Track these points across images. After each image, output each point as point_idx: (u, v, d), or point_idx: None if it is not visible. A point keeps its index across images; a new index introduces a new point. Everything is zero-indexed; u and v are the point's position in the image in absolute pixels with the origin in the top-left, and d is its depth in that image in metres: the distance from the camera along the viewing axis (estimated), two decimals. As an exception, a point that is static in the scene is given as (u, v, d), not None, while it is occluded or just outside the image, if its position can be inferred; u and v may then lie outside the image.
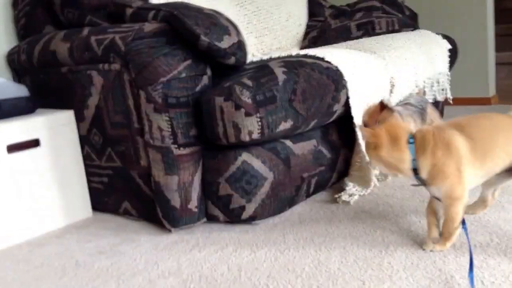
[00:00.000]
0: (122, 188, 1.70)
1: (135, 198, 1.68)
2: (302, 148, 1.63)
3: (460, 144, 1.20)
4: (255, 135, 1.44)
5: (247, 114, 1.41)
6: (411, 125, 1.59)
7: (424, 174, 1.22)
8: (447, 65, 2.43)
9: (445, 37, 2.52)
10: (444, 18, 3.23)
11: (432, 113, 1.79)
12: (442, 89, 2.39)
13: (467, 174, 1.19)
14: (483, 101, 3.19)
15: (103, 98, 1.64)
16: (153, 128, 1.48)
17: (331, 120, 1.70)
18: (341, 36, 2.56)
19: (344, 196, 1.67)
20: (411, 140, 1.23)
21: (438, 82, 2.36)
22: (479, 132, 1.21)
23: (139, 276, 1.31)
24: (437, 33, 2.52)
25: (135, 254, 1.45)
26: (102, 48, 1.58)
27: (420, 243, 1.30)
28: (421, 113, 1.76)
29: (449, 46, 2.47)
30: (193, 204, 1.54)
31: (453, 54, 2.52)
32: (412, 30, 2.57)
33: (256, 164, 1.50)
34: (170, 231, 1.58)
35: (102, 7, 1.82)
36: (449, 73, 2.45)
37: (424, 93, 2.17)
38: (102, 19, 1.86)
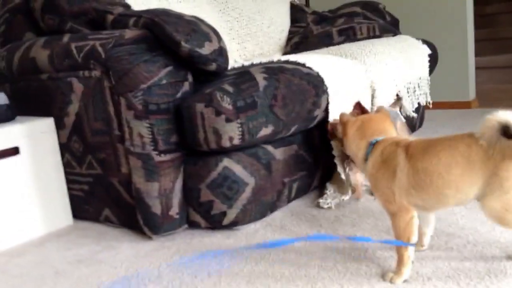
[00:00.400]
0: (103, 196, 1.69)
1: (115, 206, 1.67)
2: (283, 153, 1.64)
3: (400, 166, 1.11)
4: (236, 141, 1.44)
5: (228, 120, 1.42)
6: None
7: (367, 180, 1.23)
8: (427, 70, 2.47)
9: (425, 42, 2.56)
10: (425, 23, 3.28)
11: (401, 128, 1.80)
12: (423, 94, 2.43)
13: (400, 197, 1.13)
14: (463, 105, 3.24)
15: (83, 105, 1.63)
16: (133, 135, 1.48)
17: (312, 125, 1.72)
18: (323, 41, 2.59)
19: (323, 201, 1.68)
20: (373, 141, 1.21)
21: (418, 87, 2.39)
22: (428, 162, 1.08)
23: (119, 284, 1.30)
24: (418, 39, 2.55)
25: (115, 262, 1.45)
26: (82, 55, 1.58)
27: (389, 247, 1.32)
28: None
29: (429, 51, 2.51)
30: (174, 211, 1.54)
31: (433, 59, 2.56)
32: (393, 36, 2.61)
33: (237, 169, 1.51)
34: (151, 238, 1.58)
35: (83, 13, 1.82)
36: (429, 78, 2.49)
37: (401, 105, 2.19)
38: (83, 25, 1.85)
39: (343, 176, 1.70)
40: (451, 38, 3.20)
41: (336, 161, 1.70)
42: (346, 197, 1.72)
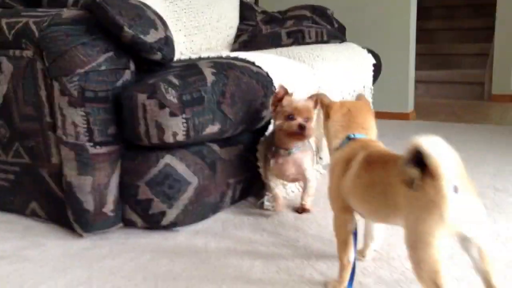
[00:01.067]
0: (30, 187, 1.55)
1: (44, 199, 1.53)
2: (229, 153, 1.58)
3: (352, 169, 1.08)
4: (180, 137, 1.36)
5: (172, 114, 1.33)
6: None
7: None
8: (371, 79, 2.50)
9: (370, 51, 2.60)
10: (370, 34, 3.34)
11: None
12: (366, 102, 2.45)
13: (343, 197, 1.11)
14: (402, 116, 3.33)
15: (12, 88, 1.49)
16: (66, 123, 1.36)
17: (259, 125, 1.66)
18: (272, 42, 2.55)
19: (268, 204, 1.64)
20: (351, 136, 1.15)
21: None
22: (365, 174, 1.05)
23: (44, 285, 1.18)
24: (363, 47, 2.58)
25: (41, 260, 1.32)
26: (13, 33, 1.44)
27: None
28: None
29: (374, 61, 2.55)
30: (109, 208, 1.43)
31: (377, 69, 2.60)
32: (340, 42, 2.62)
33: (180, 167, 1.43)
34: (81, 236, 1.45)
35: (18, -12, 1.66)
36: (372, 87, 2.52)
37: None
38: (17, 2, 1.70)
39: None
40: (393, 50, 3.28)
41: (261, 171, 1.65)
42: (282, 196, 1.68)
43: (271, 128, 1.67)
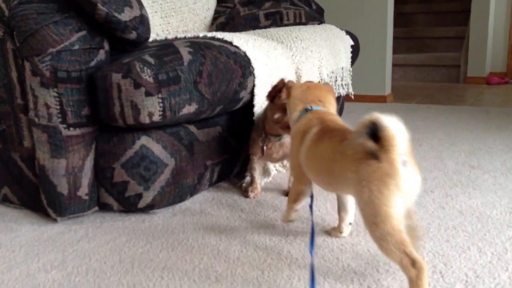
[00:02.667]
0: (2, 172, 1.51)
1: (16, 184, 1.49)
2: (206, 135, 1.56)
3: (306, 141, 1.13)
4: (156, 118, 1.34)
5: (148, 94, 1.31)
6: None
7: None
8: (349, 60, 2.50)
9: (348, 33, 2.59)
10: (347, 16, 3.34)
11: None
12: (344, 84, 2.45)
13: (299, 166, 1.18)
14: (380, 99, 3.35)
15: (-20, 69, 1.43)
16: (38, 105, 1.32)
17: (237, 106, 1.65)
18: (250, 24, 2.53)
19: (242, 185, 1.64)
20: (309, 108, 1.22)
21: (341, 77, 2.41)
22: (316, 146, 1.10)
23: (16, 269, 1.16)
24: (341, 29, 2.58)
25: (13, 245, 1.29)
26: (-20, 11, 1.38)
27: (318, 232, 1.30)
28: None
29: (352, 43, 2.55)
30: (83, 191, 1.40)
31: (355, 51, 2.60)
32: (318, 24, 2.61)
33: (156, 149, 1.41)
34: (55, 220, 1.43)
35: (-16, -34, 1.59)
36: (351, 69, 2.52)
37: None
38: (-16, -20, 1.63)
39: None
40: (371, 33, 3.29)
41: (252, 157, 1.64)
42: (267, 180, 1.68)
43: (258, 112, 1.65)
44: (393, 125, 0.88)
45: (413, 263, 0.88)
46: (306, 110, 1.21)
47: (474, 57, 4.17)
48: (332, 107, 1.24)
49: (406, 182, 0.90)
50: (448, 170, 1.78)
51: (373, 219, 0.91)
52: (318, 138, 1.10)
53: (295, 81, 1.39)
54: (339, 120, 1.17)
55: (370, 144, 0.91)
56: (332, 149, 1.04)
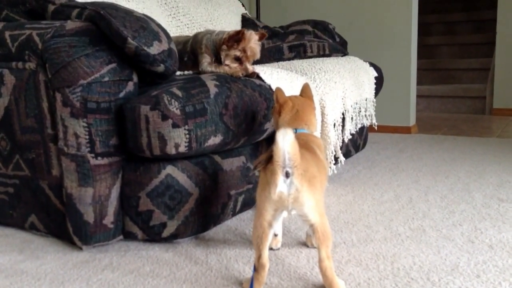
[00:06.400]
0: (30, 200, 1.54)
1: (43, 212, 1.52)
2: (230, 164, 1.57)
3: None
4: (182, 149, 1.36)
5: (175, 126, 1.33)
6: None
7: None
8: (373, 91, 2.50)
9: (372, 65, 2.61)
10: (371, 49, 3.36)
11: None
12: (368, 115, 2.45)
13: None
14: (404, 130, 3.32)
15: (14, 100, 1.49)
16: (68, 135, 1.36)
17: (261, 138, 1.66)
18: (274, 56, 2.57)
19: None
20: (295, 131, 1.31)
21: (364, 108, 2.41)
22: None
23: (42, 298, 1.17)
24: (365, 61, 2.59)
25: (39, 273, 1.30)
26: (16, 45, 1.44)
27: (344, 264, 1.28)
28: None
29: (376, 74, 2.55)
30: (109, 220, 1.42)
31: (379, 82, 2.61)
32: (342, 56, 2.63)
33: (181, 178, 1.42)
34: (81, 249, 1.44)
35: (22, 2, 1.67)
36: (374, 100, 2.52)
37: None
38: (21, 15, 1.71)
39: None
40: (395, 65, 3.29)
41: None
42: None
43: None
44: (282, 142, 1.02)
45: (258, 257, 1.12)
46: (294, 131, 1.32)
47: (500, 88, 4.12)
48: (314, 126, 1.41)
49: (282, 191, 1.07)
50: (476, 203, 1.74)
51: (255, 212, 1.14)
52: None
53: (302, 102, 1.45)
54: (318, 140, 1.35)
55: (262, 156, 1.10)
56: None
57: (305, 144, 1.24)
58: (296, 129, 1.34)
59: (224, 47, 1.65)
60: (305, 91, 1.46)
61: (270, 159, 1.08)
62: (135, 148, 1.38)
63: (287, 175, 1.05)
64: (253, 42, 1.63)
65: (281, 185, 1.06)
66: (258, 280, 1.12)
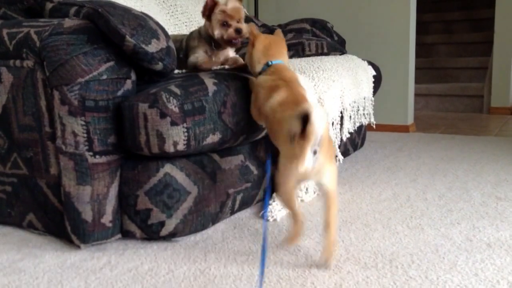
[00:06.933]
0: (28, 199, 1.53)
1: (41, 210, 1.51)
2: (229, 163, 1.57)
3: (272, 97, 1.32)
4: (181, 147, 1.35)
5: (173, 124, 1.33)
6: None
7: None
8: (371, 90, 2.50)
9: (370, 63, 2.61)
10: (369, 47, 3.35)
11: None
12: (366, 114, 2.45)
13: (262, 113, 1.41)
14: (402, 129, 3.33)
15: (11, 98, 1.48)
16: (66, 133, 1.35)
17: (260, 136, 1.66)
18: (272, 54, 2.56)
19: (268, 213, 1.63)
20: (270, 63, 1.42)
21: (363, 107, 2.41)
22: (277, 114, 1.30)
23: (40, 297, 1.16)
24: (363, 59, 2.59)
25: (37, 271, 1.30)
26: (14, 43, 1.44)
27: (343, 262, 1.28)
28: None
29: (374, 73, 2.55)
30: (107, 218, 1.41)
31: (377, 81, 2.61)
32: (340, 54, 2.63)
33: (180, 177, 1.42)
34: (79, 247, 1.44)
35: (19, 0, 1.66)
36: (373, 98, 2.52)
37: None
38: (18, 13, 1.70)
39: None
40: (393, 63, 3.29)
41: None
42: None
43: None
44: (318, 122, 1.08)
45: (293, 214, 1.32)
46: (267, 65, 1.43)
47: (497, 87, 4.12)
48: (286, 59, 1.49)
49: (308, 166, 1.15)
50: (474, 202, 1.75)
51: (278, 179, 1.24)
52: (282, 103, 1.29)
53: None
54: (295, 76, 1.42)
55: (296, 129, 1.12)
56: (281, 115, 1.26)
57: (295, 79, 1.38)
58: (271, 61, 1.43)
59: (207, 23, 1.66)
60: (277, 34, 1.54)
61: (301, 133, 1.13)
62: (134, 146, 1.38)
63: (315, 152, 1.15)
64: (231, 1, 1.63)
65: (308, 161, 1.14)
66: (297, 231, 1.34)
